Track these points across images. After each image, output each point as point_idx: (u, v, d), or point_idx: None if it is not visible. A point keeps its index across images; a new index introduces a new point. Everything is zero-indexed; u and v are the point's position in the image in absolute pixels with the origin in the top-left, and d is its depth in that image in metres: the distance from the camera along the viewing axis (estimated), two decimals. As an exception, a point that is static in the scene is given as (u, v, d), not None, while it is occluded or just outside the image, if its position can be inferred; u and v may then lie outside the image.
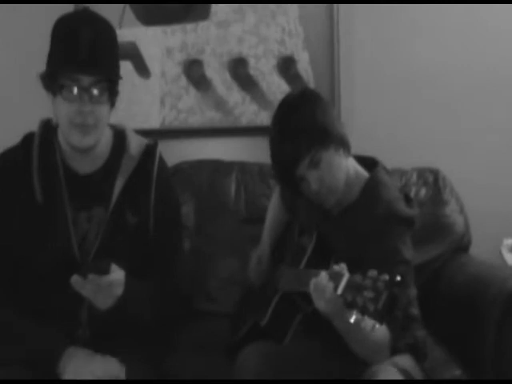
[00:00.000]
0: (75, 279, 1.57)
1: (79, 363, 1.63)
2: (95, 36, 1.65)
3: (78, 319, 1.73)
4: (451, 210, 2.49)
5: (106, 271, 1.58)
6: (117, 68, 1.73)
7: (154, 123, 2.73)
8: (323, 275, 1.55)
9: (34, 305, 1.72)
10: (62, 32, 1.68)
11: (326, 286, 1.52)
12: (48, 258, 1.71)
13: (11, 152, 1.81)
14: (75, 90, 1.65)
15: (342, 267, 1.54)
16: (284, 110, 1.80)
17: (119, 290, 1.62)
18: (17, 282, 1.74)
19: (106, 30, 1.70)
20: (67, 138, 1.72)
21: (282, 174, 1.79)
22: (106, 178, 1.76)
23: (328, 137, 1.74)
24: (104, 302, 1.62)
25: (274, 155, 1.79)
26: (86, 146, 1.71)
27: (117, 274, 1.61)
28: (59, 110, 1.69)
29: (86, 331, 1.74)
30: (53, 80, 1.67)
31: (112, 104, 1.74)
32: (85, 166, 1.77)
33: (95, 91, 1.65)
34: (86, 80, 1.64)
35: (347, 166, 1.80)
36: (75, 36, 1.64)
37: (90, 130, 1.68)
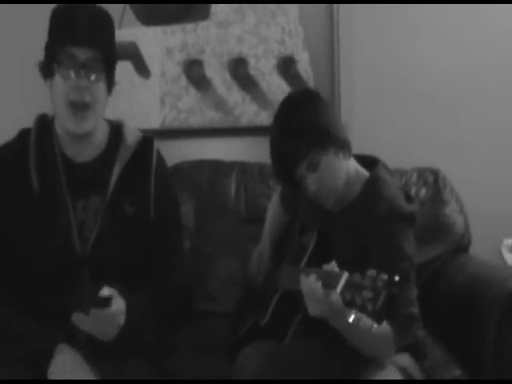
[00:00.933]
0: (77, 316, 1.56)
1: (65, 369, 1.62)
2: (93, 18, 1.70)
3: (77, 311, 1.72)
4: (451, 209, 2.49)
5: (107, 304, 1.57)
6: (113, 47, 1.75)
7: (154, 123, 2.73)
8: (311, 276, 1.56)
9: (33, 304, 1.71)
10: (60, 16, 1.71)
11: (315, 287, 1.53)
12: (47, 248, 1.71)
13: (7, 146, 1.81)
14: (72, 66, 1.66)
15: (332, 266, 1.55)
16: (285, 110, 1.80)
17: (121, 320, 1.62)
18: (16, 279, 1.74)
19: (103, 14, 1.74)
20: (64, 123, 1.72)
21: (282, 173, 1.80)
22: (103, 167, 1.77)
23: (328, 139, 1.74)
24: (107, 333, 1.62)
25: (273, 155, 1.79)
26: (82, 131, 1.71)
27: (117, 304, 1.60)
28: (56, 91, 1.70)
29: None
30: (51, 59, 1.69)
31: (109, 90, 1.75)
32: (82, 155, 1.78)
33: (92, 68, 1.67)
34: (82, 56, 1.66)
35: (348, 167, 1.80)
36: (73, 17, 1.68)
37: (87, 113, 1.69)
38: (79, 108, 1.68)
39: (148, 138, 1.84)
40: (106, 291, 1.59)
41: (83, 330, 1.62)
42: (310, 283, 1.55)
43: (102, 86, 1.71)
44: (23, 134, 1.80)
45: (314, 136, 1.72)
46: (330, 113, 1.80)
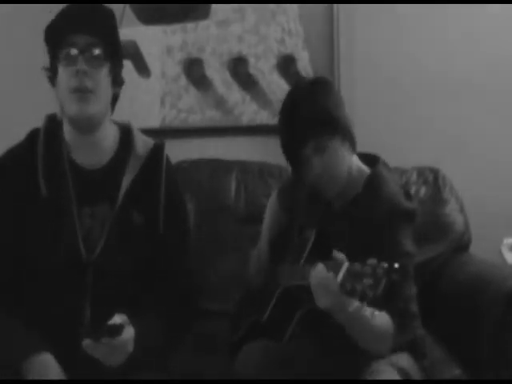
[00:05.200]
0: (87, 344, 1.54)
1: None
2: (91, 8, 1.71)
3: (81, 317, 1.71)
4: (451, 208, 2.49)
5: (119, 333, 1.55)
6: (114, 35, 1.75)
7: (154, 122, 2.74)
8: (321, 267, 1.56)
9: (37, 303, 1.71)
10: (60, 13, 1.71)
11: (328, 277, 1.52)
12: (53, 253, 1.70)
13: (16, 149, 1.80)
14: (73, 53, 1.67)
15: (342, 256, 1.54)
16: (297, 93, 1.83)
17: (130, 347, 1.61)
18: (20, 280, 1.73)
19: (102, 6, 1.74)
20: (67, 111, 1.71)
21: (289, 153, 1.82)
22: (113, 174, 1.75)
23: (336, 126, 1.77)
24: (115, 361, 1.60)
25: (282, 135, 1.82)
26: (84, 114, 1.69)
27: (128, 333, 1.59)
28: (60, 83, 1.70)
29: (88, 329, 1.72)
30: (53, 51, 1.70)
31: (115, 84, 1.75)
32: (91, 161, 1.77)
33: (92, 53, 1.67)
34: (82, 42, 1.67)
35: (351, 161, 1.82)
36: (72, 9, 1.70)
37: (89, 97, 1.68)
38: (81, 92, 1.67)
39: (159, 146, 1.82)
40: (117, 319, 1.58)
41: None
42: (321, 273, 1.55)
43: (104, 73, 1.70)
44: (32, 136, 1.79)
45: (323, 121, 1.76)
46: (342, 105, 1.85)
